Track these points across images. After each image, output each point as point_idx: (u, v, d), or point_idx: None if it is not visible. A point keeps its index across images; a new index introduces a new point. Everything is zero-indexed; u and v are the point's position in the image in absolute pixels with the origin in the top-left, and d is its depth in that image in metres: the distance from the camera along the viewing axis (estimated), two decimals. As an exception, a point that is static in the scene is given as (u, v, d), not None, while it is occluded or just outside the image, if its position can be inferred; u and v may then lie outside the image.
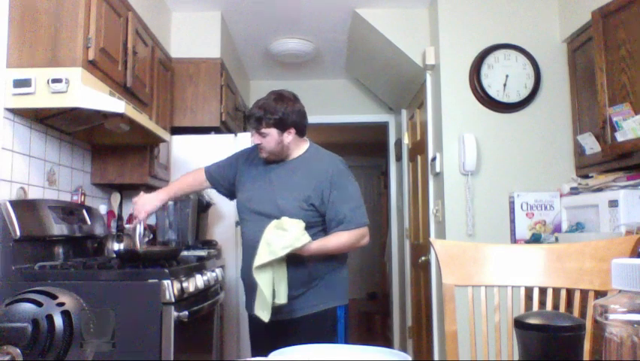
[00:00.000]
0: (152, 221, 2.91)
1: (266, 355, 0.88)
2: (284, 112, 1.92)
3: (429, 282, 3.35)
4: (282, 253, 1.79)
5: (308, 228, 1.86)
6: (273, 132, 1.93)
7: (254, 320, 1.98)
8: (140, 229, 2.19)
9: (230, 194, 2.20)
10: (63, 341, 0.85)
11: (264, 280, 1.81)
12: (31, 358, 0.82)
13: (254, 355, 2.02)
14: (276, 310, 1.87)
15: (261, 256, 1.80)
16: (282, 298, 1.84)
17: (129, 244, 2.54)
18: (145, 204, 2.16)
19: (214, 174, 2.20)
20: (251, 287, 1.94)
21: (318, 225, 1.94)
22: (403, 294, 4.62)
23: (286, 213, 1.87)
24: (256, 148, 2.04)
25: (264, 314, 1.83)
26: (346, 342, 2.02)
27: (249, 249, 1.94)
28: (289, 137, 1.96)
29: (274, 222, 1.85)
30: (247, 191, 2.04)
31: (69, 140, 2.57)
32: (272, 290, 1.82)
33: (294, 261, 1.86)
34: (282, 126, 1.93)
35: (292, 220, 1.85)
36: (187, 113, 3.37)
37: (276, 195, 1.94)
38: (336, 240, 1.92)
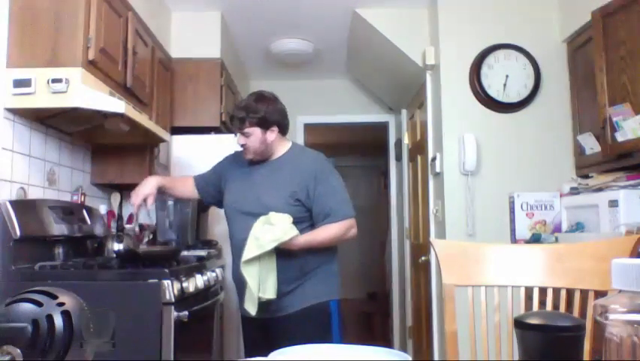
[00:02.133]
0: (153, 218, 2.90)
1: (264, 354, 0.88)
2: (266, 111, 1.97)
3: (429, 282, 3.35)
4: (270, 246, 1.81)
5: (296, 223, 1.88)
6: (256, 131, 1.96)
7: (247, 320, 1.99)
8: (141, 212, 2.12)
9: (218, 202, 2.22)
10: (63, 341, 0.85)
11: (250, 274, 1.83)
12: (31, 358, 0.82)
13: (248, 355, 2.02)
14: (269, 307, 1.88)
15: (250, 250, 1.82)
16: (269, 294, 1.86)
17: (129, 244, 2.54)
18: (139, 190, 2.09)
19: (201, 182, 2.23)
20: (241, 286, 1.95)
21: (306, 220, 1.95)
22: (403, 294, 4.61)
23: (273, 210, 1.89)
24: (239, 153, 2.07)
25: (252, 308, 1.86)
26: (341, 335, 2.04)
27: (238, 249, 1.95)
28: (272, 135, 2.00)
29: (262, 217, 1.87)
30: (233, 193, 2.07)
31: (69, 140, 2.57)
32: (258, 284, 1.83)
33: (285, 257, 1.88)
34: (264, 125, 1.97)
35: (279, 215, 1.87)
36: (187, 113, 3.37)
37: (262, 193, 1.97)
38: (325, 232, 1.94)
